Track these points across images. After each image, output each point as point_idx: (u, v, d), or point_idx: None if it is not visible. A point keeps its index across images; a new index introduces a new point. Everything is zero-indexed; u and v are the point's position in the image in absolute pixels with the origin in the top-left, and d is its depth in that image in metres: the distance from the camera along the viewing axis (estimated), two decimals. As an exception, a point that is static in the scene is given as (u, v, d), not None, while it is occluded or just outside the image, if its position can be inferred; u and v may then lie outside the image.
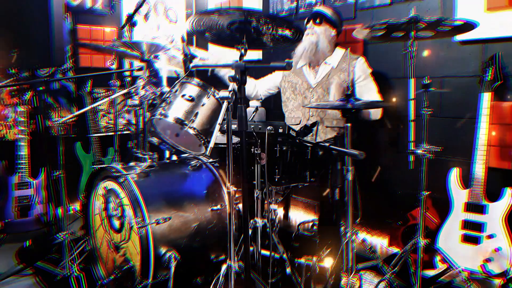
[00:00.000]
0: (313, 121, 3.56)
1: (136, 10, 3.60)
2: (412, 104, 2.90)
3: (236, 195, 2.46)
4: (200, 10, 5.75)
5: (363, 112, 3.65)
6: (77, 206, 5.06)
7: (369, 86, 3.71)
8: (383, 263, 3.10)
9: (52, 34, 3.93)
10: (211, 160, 3.29)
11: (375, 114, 3.68)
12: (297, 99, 3.94)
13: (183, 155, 3.49)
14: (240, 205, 2.67)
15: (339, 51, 3.84)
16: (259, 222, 2.94)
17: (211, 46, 5.44)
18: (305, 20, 3.85)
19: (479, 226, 3.15)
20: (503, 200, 3.07)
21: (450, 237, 3.26)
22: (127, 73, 4.73)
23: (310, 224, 4.52)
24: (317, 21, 3.76)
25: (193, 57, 3.26)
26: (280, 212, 4.97)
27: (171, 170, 3.32)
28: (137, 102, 3.01)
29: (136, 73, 4.21)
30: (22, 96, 4.29)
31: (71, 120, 5.02)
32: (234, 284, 2.41)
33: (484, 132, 3.13)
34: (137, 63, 3.76)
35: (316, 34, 3.75)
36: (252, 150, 2.81)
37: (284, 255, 3.00)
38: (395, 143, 3.94)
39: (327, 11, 3.79)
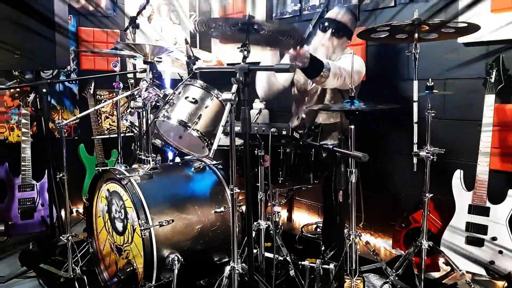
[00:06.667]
0: (318, 123, 3.55)
1: (139, 12, 3.60)
2: (415, 106, 2.90)
3: (240, 197, 2.45)
4: (203, 13, 5.76)
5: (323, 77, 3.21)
6: (80, 208, 5.07)
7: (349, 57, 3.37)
8: (387, 265, 3.09)
9: (55, 36, 3.94)
10: (214, 162, 3.29)
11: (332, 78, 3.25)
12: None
13: (186, 157, 3.49)
14: (244, 207, 2.67)
15: None
16: (263, 224, 2.94)
17: (214, 48, 5.47)
18: (320, 25, 3.64)
19: (483, 229, 3.14)
20: (507, 202, 3.06)
21: (454, 239, 3.25)
22: (131, 75, 4.74)
23: (314, 226, 4.53)
24: (339, 34, 3.55)
25: (196, 59, 3.25)
26: (284, 214, 4.99)
27: (174, 172, 3.31)
28: (140, 104, 3.00)
29: (139, 75, 4.21)
30: (25, 98, 4.30)
31: (74, 122, 5.03)
32: (237, 286, 2.41)
33: (488, 134, 3.12)
34: (140, 65, 3.76)
35: (332, 47, 3.59)
36: (256, 152, 2.81)
37: (288, 257, 2.99)
38: (399, 145, 3.93)
39: (347, 20, 3.59)
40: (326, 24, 3.60)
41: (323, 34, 3.61)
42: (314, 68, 3.10)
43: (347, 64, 3.32)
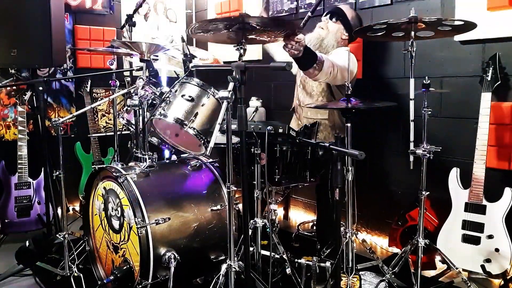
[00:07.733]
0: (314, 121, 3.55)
1: (135, 10, 3.59)
2: (412, 104, 2.90)
3: (236, 195, 2.45)
4: (199, 10, 5.77)
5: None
6: (77, 206, 5.06)
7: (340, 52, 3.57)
8: (383, 263, 3.10)
9: (52, 34, 3.93)
10: (211, 160, 3.29)
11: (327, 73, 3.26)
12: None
13: (183, 155, 3.49)
14: (240, 205, 2.67)
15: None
16: (259, 222, 2.94)
17: (210, 46, 5.45)
18: (324, 13, 3.75)
19: (479, 226, 3.14)
20: (503, 200, 3.07)
21: (450, 237, 3.25)
22: (127, 73, 4.73)
23: (310, 224, 4.53)
24: (334, 18, 3.62)
25: (193, 57, 3.25)
26: (280, 212, 4.98)
27: (170, 170, 3.31)
28: (136, 102, 3.00)
29: (135, 73, 4.21)
30: (21, 96, 4.29)
31: (70, 120, 5.02)
32: (234, 283, 2.41)
33: (485, 132, 3.12)
34: (136, 63, 3.75)
35: (327, 30, 3.63)
36: (252, 150, 2.81)
37: (284, 255, 2.99)
38: (395, 143, 3.93)
39: (348, 13, 3.64)
40: (328, 10, 3.71)
41: (323, 18, 3.70)
42: (307, 59, 3.10)
43: (339, 59, 3.33)
